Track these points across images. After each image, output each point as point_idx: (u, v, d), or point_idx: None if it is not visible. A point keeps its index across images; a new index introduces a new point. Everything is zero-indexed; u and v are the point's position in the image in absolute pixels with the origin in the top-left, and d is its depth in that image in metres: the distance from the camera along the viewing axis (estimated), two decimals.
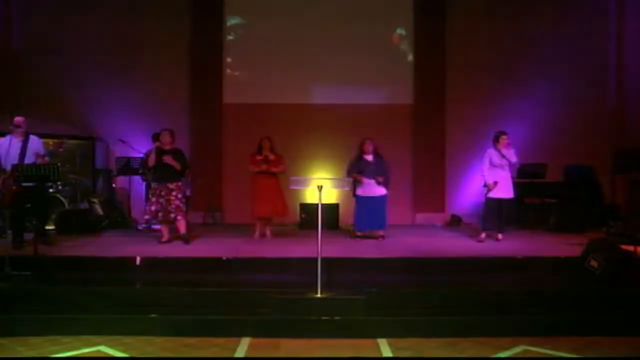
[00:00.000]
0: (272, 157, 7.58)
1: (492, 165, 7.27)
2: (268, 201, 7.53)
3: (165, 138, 7.04)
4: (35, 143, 6.61)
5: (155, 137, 8.77)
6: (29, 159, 6.46)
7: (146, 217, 7.07)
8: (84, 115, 9.93)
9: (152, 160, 6.99)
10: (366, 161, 7.47)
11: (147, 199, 7.31)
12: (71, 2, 10.06)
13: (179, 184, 7.04)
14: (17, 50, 10.17)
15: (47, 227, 7.16)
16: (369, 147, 7.46)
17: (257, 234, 7.73)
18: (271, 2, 10.31)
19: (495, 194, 7.26)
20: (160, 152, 6.99)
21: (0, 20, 10.18)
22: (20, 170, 6.07)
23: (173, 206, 6.93)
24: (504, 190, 7.26)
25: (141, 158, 8.35)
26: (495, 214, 7.33)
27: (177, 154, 7.06)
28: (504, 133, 7.32)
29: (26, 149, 6.48)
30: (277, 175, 7.64)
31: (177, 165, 6.94)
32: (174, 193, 6.94)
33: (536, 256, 6.23)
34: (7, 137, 6.56)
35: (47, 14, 10.02)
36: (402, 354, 4.20)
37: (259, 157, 7.58)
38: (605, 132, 9.94)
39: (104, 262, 5.99)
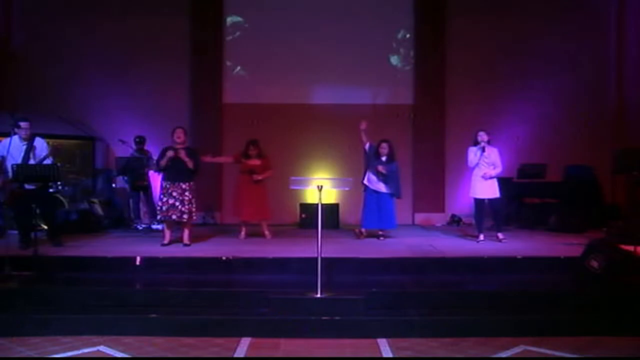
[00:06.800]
0: (258, 162, 7.57)
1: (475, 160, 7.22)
2: (251, 205, 7.52)
3: (181, 137, 6.87)
4: (40, 145, 6.55)
5: (139, 140, 8.77)
6: (34, 161, 6.39)
7: (158, 217, 6.94)
8: (84, 115, 9.92)
9: (167, 158, 6.79)
10: (380, 160, 7.50)
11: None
12: (71, 2, 10.06)
13: (192, 184, 6.85)
14: (17, 50, 10.17)
15: (44, 227, 7.16)
16: (384, 149, 7.52)
17: (242, 234, 7.71)
18: (271, 2, 10.30)
19: (479, 194, 7.28)
20: (175, 150, 6.81)
21: (1, 20, 10.18)
22: (20, 170, 6.03)
23: (187, 207, 6.76)
24: (488, 191, 7.22)
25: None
26: (484, 214, 7.36)
27: (190, 152, 6.91)
28: (481, 129, 7.32)
29: (30, 151, 6.45)
30: (263, 179, 7.64)
31: (189, 162, 6.75)
32: (186, 194, 6.77)
33: (536, 256, 6.22)
34: (9, 138, 6.48)
35: (47, 14, 10.02)
36: (402, 354, 4.20)
37: (245, 162, 7.57)
38: (605, 132, 9.94)
39: (104, 262, 5.98)
